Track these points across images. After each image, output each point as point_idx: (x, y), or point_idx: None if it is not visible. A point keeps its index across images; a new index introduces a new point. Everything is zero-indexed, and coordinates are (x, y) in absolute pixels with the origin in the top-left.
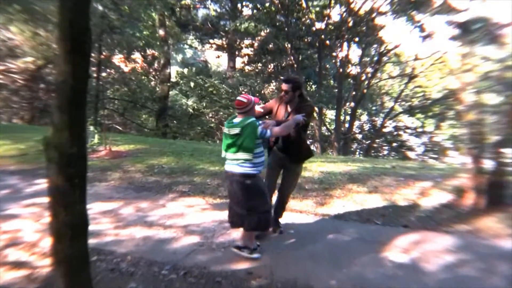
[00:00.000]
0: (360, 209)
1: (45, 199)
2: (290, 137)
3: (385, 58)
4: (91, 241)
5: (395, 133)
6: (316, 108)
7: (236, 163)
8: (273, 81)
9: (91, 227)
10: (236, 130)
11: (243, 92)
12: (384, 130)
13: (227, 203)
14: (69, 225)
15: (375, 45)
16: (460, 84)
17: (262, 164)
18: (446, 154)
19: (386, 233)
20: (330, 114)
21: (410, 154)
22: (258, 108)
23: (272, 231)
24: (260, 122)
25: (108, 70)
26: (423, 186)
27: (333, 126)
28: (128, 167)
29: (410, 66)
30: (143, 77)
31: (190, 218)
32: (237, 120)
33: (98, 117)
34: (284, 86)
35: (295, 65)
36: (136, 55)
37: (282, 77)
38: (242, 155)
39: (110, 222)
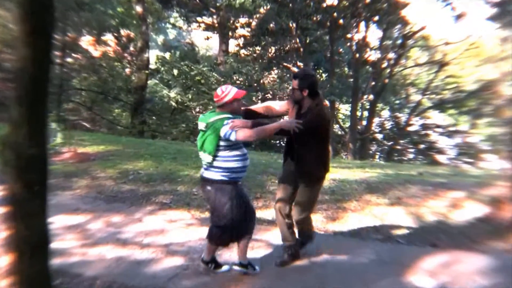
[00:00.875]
0: (379, 224)
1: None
2: (295, 146)
3: (410, 42)
4: (55, 261)
5: (423, 132)
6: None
7: (203, 164)
8: (274, 68)
9: (54, 245)
10: (202, 126)
11: (238, 81)
12: (410, 128)
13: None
14: (28, 240)
15: (398, 26)
16: (499, 74)
17: (238, 171)
18: (483, 158)
19: (410, 254)
20: (344, 109)
21: (440, 158)
22: (268, 104)
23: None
24: (229, 121)
25: (74, 55)
26: (455, 197)
27: (347, 124)
28: (97, 173)
29: (440, 51)
30: (116, 63)
31: (173, 235)
32: (210, 114)
33: (61, 111)
34: (293, 82)
35: (301, 49)
36: (108, 37)
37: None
38: (204, 157)
39: (77, 239)
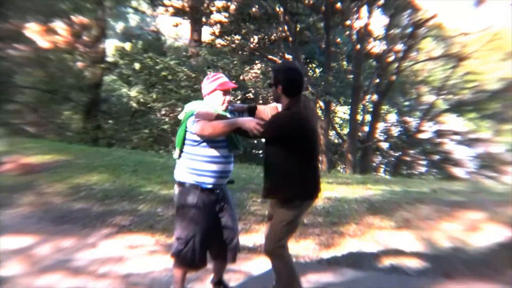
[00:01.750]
0: (384, 252)
1: None
2: (266, 155)
3: (422, 31)
4: None
5: (437, 140)
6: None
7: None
8: (257, 61)
9: None
10: (181, 115)
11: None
12: (421, 136)
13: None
14: None
15: (408, 11)
16: None
17: (207, 175)
18: (508, 172)
19: (420, 287)
20: (342, 111)
21: (458, 171)
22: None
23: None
24: (199, 111)
25: (17, 46)
26: (475, 218)
27: (346, 130)
28: (43, 188)
29: (458, 43)
30: (66, 56)
31: (133, 264)
32: (194, 102)
33: (1, 113)
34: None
35: (290, 39)
36: (58, 24)
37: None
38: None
39: (20, 266)
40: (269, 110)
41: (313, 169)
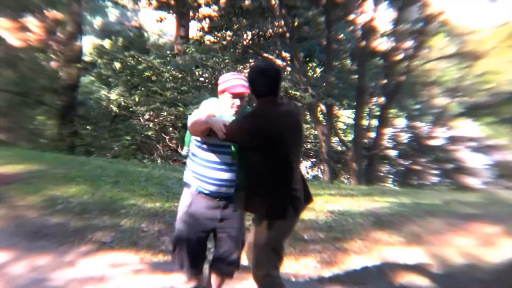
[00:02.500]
0: (391, 270)
1: None
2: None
3: (434, 26)
4: None
5: (450, 147)
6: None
7: None
8: (251, 60)
9: None
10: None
11: (201, 78)
12: (433, 142)
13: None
14: None
15: (418, 4)
16: None
17: (202, 180)
18: None
19: None
20: (345, 115)
21: (473, 181)
22: None
23: None
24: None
25: None
26: (491, 233)
27: (350, 137)
28: (15, 200)
29: (474, 40)
30: (38, 55)
31: (116, 284)
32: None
33: None
34: None
35: (288, 35)
36: (29, 20)
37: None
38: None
39: None
40: None
41: (280, 183)
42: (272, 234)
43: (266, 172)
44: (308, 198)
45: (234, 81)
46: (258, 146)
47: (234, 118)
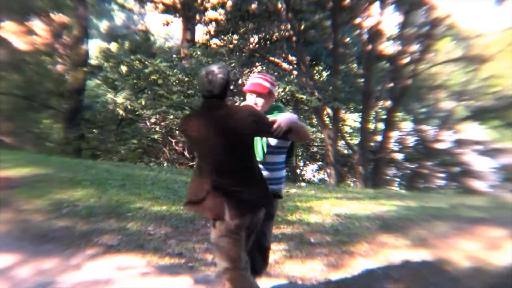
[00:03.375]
0: (398, 273)
1: None
2: None
3: (440, 29)
4: None
5: (457, 151)
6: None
7: None
8: (257, 64)
9: None
10: None
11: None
12: (439, 146)
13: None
14: None
15: (424, 7)
16: None
17: None
18: None
19: None
20: (351, 119)
21: (480, 185)
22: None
23: None
24: None
25: None
26: (498, 236)
27: (356, 140)
28: (21, 204)
29: (480, 43)
30: (45, 58)
31: (122, 287)
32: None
33: None
34: None
35: (294, 38)
36: (35, 23)
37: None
38: None
39: None
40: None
41: (214, 185)
42: (214, 233)
43: (201, 172)
44: (265, 200)
45: (250, 79)
46: (192, 147)
47: None
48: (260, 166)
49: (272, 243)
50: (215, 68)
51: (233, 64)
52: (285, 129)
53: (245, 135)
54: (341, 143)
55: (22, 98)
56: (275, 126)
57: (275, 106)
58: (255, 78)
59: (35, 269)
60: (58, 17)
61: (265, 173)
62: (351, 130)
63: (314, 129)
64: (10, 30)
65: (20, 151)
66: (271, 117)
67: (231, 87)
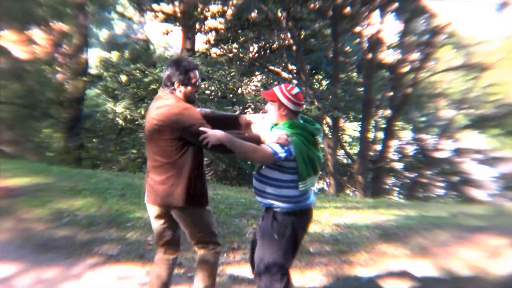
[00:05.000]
0: (398, 283)
1: None
2: None
3: (441, 38)
4: None
5: (457, 160)
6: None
7: (311, 190)
8: (257, 73)
9: None
10: (321, 137)
11: (207, 91)
12: (440, 155)
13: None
14: None
15: (425, 16)
16: None
17: None
18: None
19: None
20: (351, 128)
21: (480, 193)
22: None
23: None
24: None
25: None
26: (499, 245)
27: (356, 149)
28: (22, 214)
29: (480, 51)
30: (44, 67)
31: None
32: (303, 120)
33: None
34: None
35: (294, 47)
36: (35, 32)
37: (189, 64)
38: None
39: None
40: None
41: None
42: None
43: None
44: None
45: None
46: None
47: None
48: (254, 173)
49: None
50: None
51: (232, 73)
52: (214, 143)
53: (162, 128)
54: (340, 152)
55: (22, 107)
56: (203, 136)
57: (290, 123)
58: (275, 87)
59: (36, 278)
60: (58, 26)
61: (255, 182)
62: (350, 139)
63: None
64: (10, 39)
65: (21, 160)
66: (275, 130)
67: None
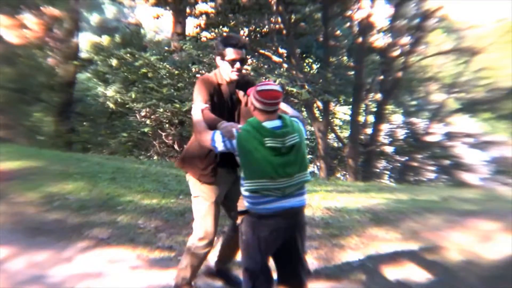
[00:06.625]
0: (389, 266)
1: None
2: None
3: (431, 22)
4: None
5: (448, 143)
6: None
7: (300, 190)
8: (248, 56)
9: None
10: (295, 138)
11: (198, 75)
12: (430, 139)
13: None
14: None
15: (415, 0)
16: None
17: None
18: None
19: None
20: (342, 112)
21: (471, 177)
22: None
23: None
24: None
25: None
26: (490, 229)
27: (346, 133)
28: (13, 197)
29: (472, 35)
30: (36, 52)
31: (113, 280)
32: (278, 122)
33: None
34: (239, 53)
35: (285, 31)
36: (26, 17)
37: (229, 40)
38: (304, 176)
39: None
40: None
41: None
42: None
43: None
44: None
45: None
46: None
47: None
48: None
49: None
50: None
51: None
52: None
53: None
54: (331, 136)
55: (13, 92)
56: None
57: (251, 120)
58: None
59: (27, 261)
60: (50, 10)
61: None
62: (341, 123)
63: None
64: (2, 24)
65: (12, 144)
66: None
67: None
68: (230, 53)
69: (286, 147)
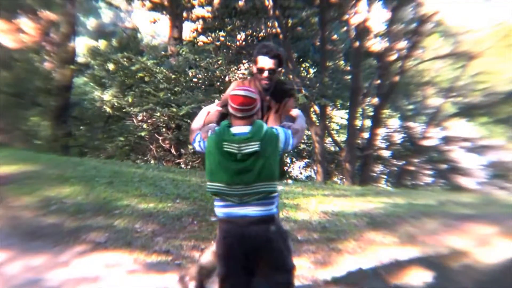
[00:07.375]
0: (386, 271)
1: None
2: None
3: (428, 26)
4: None
5: (445, 148)
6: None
7: (261, 201)
8: (244, 61)
9: None
10: (254, 146)
11: (195, 79)
12: (427, 143)
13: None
14: None
15: (412, 4)
16: None
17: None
18: None
19: None
20: (339, 116)
21: (468, 182)
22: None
23: None
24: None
25: None
26: (487, 233)
27: (343, 137)
28: (10, 201)
29: (469, 40)
30: (32, 56)
31: (110, 284)
32: (246, 128)
33: None
34: (270, 63)
35: (281, 35)
36: (23, 21)
37: (261, 48)
38: (266, 187)
39: None
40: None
41: None
42: None
43: None
44: None
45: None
46: None
47: None
48: None
49: None
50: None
51: (220, 61)
52: None
53: None
54: (328, 140)
55: (10, 96)
56: None
57: (222, 123)
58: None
59: (24, 265)
60: (46, 14)
61: None
62: (338, 127)
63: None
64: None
65: (9, 148)
66: None
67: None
68: (261, 61)
69: (242, 154)
